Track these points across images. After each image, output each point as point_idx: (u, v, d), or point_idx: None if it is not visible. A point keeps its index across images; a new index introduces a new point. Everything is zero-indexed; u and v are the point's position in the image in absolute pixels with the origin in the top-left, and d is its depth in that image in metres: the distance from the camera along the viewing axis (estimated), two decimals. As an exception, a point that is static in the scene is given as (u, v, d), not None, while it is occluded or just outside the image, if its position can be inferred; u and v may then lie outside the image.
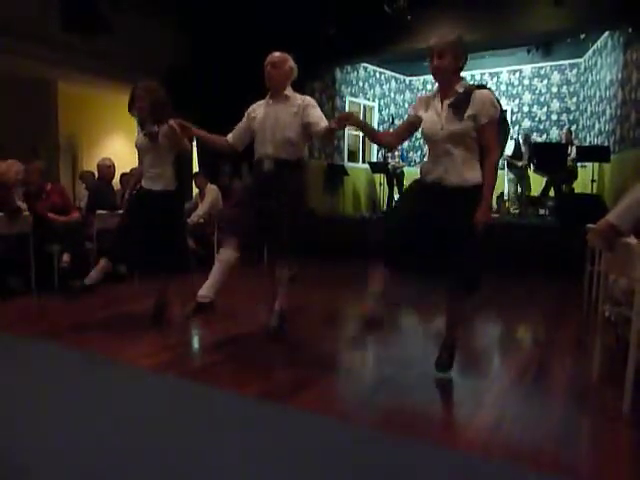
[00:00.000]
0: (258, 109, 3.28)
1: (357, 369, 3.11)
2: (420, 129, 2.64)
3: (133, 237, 3.51)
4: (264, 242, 3.30)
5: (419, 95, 2.61)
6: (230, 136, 3.38)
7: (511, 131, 9.35)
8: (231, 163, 7.34)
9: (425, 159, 2.70)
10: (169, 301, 3.84)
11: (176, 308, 4.02)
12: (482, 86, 2.59)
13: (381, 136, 2.94)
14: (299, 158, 3.22)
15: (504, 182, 10.42)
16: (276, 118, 3.15)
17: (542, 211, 8.66)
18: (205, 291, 3.13)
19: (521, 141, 9.05)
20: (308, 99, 3.21)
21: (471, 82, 2.73)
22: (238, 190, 6.98)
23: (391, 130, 2.89)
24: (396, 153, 10.38)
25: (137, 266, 3.65)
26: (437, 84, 2.60)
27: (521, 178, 9.03)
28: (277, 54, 3.20)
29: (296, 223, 3.15)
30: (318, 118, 3.12)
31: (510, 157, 9.05)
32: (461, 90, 2.48)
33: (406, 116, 2.83)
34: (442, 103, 2.54)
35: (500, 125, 2.54)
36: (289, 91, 3.22)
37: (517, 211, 8.89)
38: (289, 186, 3.14)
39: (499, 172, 9.40)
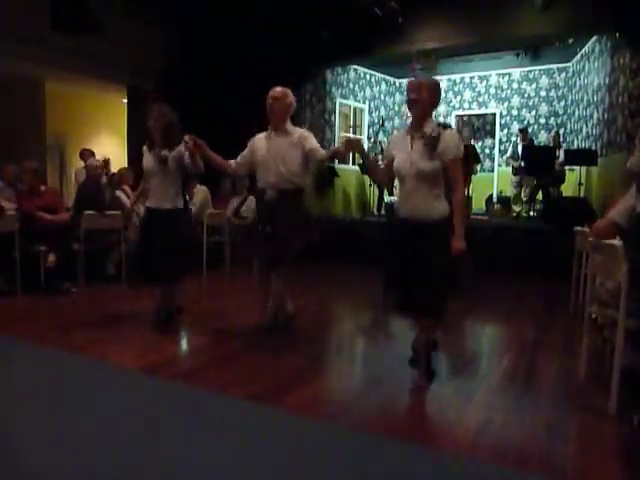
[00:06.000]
0: (260, 142, 3.48)
1: (346, 371, 3.11)
2: (393, 166, 2.81)
3: (147, 253, 3.62)
4: (271, 259, 3.50)
5: (392, 134, 2.94)
6: (233, 163, 3.59)
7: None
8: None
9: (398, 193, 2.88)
10: (178, 304, 3.81)
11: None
12: (447, 126, 2.85)
13: (378, 174, 3.11)
14: (300, 186, 3.44)
15: (493, 184, 10.52)
16: (278, 151, 3.37)
17: (531, 213, 8.71)
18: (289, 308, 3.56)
19: (518, 140, 9.08)
20: (306, 131, 3.52)
21: (440, 118, 2.93)
22: (227, 189, 6.97)
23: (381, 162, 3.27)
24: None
25: (152, 279, 3.75)
26: (409, 120, 2.79)
27: (522, 179, 8.87)
28: (278, 89, 3.41)
29: (298, 240, 3.37)
30: (318, 146, 3.43)
31: (509, 158, 9.14)
32: (429, 131, 2.64)
33: (384, 158, 3.03)
34: (412, 141, 2.70)
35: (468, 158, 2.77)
36: (289, 125, 3.43)
37: (515, 214, 8.84)
38: (290, 212, 3.35)
39: (489, 174, 9.40)
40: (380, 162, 3.46)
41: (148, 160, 3.62)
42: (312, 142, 3.41)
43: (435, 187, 2.65)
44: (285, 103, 3.38)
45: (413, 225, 2.67)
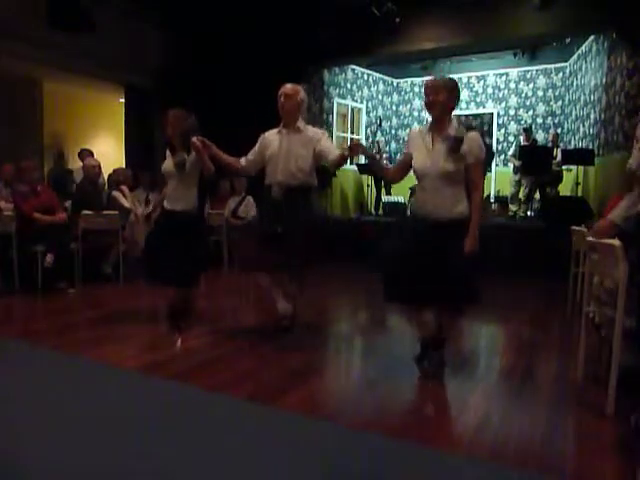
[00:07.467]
0: (271, 138, 3.44)
1: (344, 371, 3.12)
2: (412, 165, 2.78)
3: (156, 252, 3.61)
4: (277, 263, 3.41)
5: (412, 130, 2.85)
6: (243, 160, 3.56)
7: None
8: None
9: (416, 191, 2.86)
10: (190, 307, 3.80)
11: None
12: (470, 127, 2.81)
13: (387, 171, 3.16)
14: (308, 184, 3.39)
15: (491, 184, 10.53)
16: (289, 149, 3.33)
17: (528, 213, 8.73)
18: (283, 307, 3.46)
19: (522, 140, 9.07)
20: (320, 132, 3.46)
21: (459, 116, 2.91)
22: (225, 189, 6.96)
23: (391, 164, 3.26)
24: (384, 155, 10.42)
25: (156, 278, 3.75)
26: (430, 119, 2.76)
27: (522, 178, 8.87)
28: (289, 86, 3.37)
29: (308, 244, 3.30)
30: (331, 148, 3.35)
31: (511, 156, 9.16)
32: (453, 133, 2.62)
33: (402, 154, 2.99)
34: (433, 140, 2.68)
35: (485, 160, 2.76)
36: (301, 123, 3.39)
37: (513, 213, 8.85)
38: (299, 211, 3.31)
39: (487, 174, 9.33)
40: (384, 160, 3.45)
41: (168, 163, 3.62)
42: (325, 143, 3.36)
43: (456, 187, 2.65)
44: (296, 100, 3.35)
45: (433, 224, 2.65)
